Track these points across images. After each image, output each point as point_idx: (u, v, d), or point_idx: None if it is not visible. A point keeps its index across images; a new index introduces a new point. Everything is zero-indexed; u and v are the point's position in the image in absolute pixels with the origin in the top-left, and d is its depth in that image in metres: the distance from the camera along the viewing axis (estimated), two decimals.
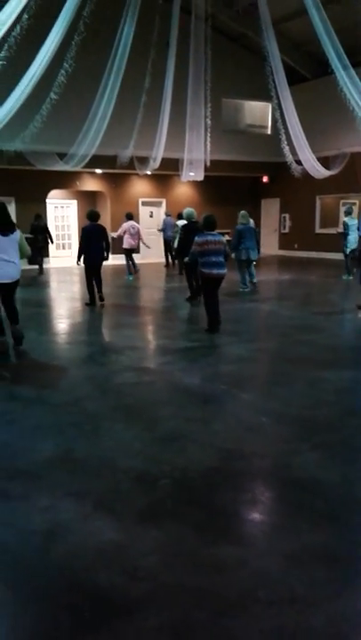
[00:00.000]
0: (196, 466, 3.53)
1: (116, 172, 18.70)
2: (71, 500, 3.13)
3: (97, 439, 4.03)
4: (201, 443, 3.91)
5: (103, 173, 19.39)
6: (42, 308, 10.27)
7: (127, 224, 14.07)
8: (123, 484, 3.33)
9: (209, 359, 6.40)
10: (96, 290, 9.95)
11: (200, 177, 18.13)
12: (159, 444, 3.94)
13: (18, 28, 10.50)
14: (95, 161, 16.38)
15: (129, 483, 3.35)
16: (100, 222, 10.03)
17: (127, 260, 14.34)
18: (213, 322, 7.58)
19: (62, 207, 21.06)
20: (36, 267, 15.83)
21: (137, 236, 14.11)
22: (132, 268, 14.31)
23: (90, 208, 11.00)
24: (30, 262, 16.22)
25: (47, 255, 17.73)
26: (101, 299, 9.98)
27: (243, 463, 3.62)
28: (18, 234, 6.38)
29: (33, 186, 17.94)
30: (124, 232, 14.00)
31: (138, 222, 15.72)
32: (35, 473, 3.48)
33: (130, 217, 14.48)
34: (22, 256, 6.56)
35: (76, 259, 10.13)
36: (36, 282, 14.30)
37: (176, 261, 14.79)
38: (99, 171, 19.07)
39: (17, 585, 2.42)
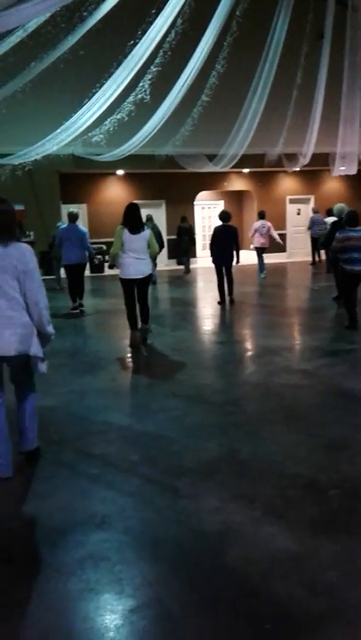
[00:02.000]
0: None
1: (264, 170, 18.55)
2: (240, 503, 3.08)
3: (260, 442, 3.95)
4: None
5: (250, 172, 19.33)
6: (188, 307, 10.46)
7: (258, 223, 14.39)
8: (290, 491, 3.22)
9: None
10: (227, 290, 10.14)
11: (352, 171, 17.33)
12: (326, 450, 3.76)
13: (172, 33, 10.80)
14: (243, 160, 16.37)
15: (297, 490, 3.23)
16: (231, 223, 10.13)
17: (258, 258, 14.68)
18: (353, 319, 7.58)
19: (209, 208, 21.36)
20: (182, 267, 16.38)
21: (267, 234, 14.34)
22: (263, 265, 14.67)
23: (222, 209, 11.09)
24: (178, 263, 16.73)
25: (193, 255, 18.14)
26: (231, 300, 10.13)
27: None
28: (147, 232, 6.91)
29: (182, 188, 18.41)
30: (255, 231, 14.33)
31: (285, 220, 15.55)
32: (201, 472, 3.49)
33: (262, 216, 14.59)
34: (151, 254, 7.02)
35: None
36: (182, 281, 14.66)
37: (323, 259, 14.56)
38: (246, 170, 19.05)
39: (194, 586, 2.42)
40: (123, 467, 3.61)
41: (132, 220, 6.84)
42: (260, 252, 14.54)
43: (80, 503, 3.14)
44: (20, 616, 2.26)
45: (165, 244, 17.45)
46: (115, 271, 7.34)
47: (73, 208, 11.19)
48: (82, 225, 10.29)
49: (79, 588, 2.42)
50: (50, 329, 3.47)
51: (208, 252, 10.30)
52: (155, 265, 12.22)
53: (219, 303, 10.17)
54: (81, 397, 5.11)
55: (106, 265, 11.05)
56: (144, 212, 8.93)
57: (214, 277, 10.27)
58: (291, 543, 2.70)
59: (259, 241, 14.38)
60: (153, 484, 3.36)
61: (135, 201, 17.27)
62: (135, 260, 6.82)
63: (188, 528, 2.86)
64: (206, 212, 21.31)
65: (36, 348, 3.38)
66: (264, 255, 14.70)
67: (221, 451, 3.81)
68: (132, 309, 7.07)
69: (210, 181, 18.98)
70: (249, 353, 6.85)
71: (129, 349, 6.96)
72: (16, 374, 3.52)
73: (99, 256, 16.11)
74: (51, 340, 3.56)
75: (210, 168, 16.64)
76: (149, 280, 7.16)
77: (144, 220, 7.30)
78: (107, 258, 15.64)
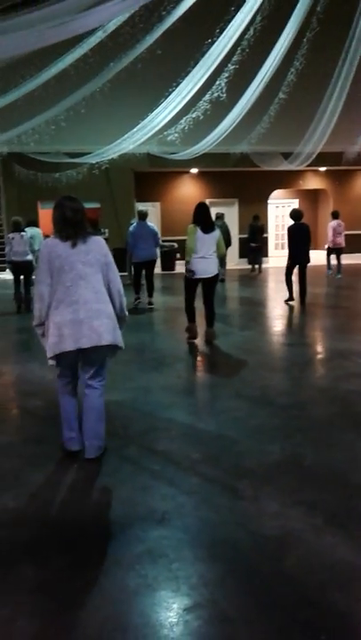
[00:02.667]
0: None
1: (341, 168, 18.08)
2: (301, 510, 3.03)
3: (325, 448, 3.86)
4: None
5: (327, 170, 18.90)
6: (257, 307, 10.36)
7: (334, 222, 14.19)
8: (355, 501, 3.13)
9: None
10: (298, 291, 10.01)
11: None
12: None
13: (251, 30, 10.71)
14: (320, 158, 16.04)
15: None
16: (303, 221, 9.94)
17: (328, 258, 14.61)
18: None
19: (283, 207, 21.06)
20: (253, 266, 16.27)
21: (343, 234, 14.19)
22: (334, 266, 14.45)
23: (294, 208, 10.92)
24: (249, 262, 16.61)
25: (266, 255, 17.94)
26: (302, 301, 9.94)
27: None
28: (217, 232, 7.01)
29: (256, 187, 18.26)
30: (333, 230, 14.15)
31: None
32: (262, 475, 3.46)
33: (335, 215, 14.35)
34: (218, 255, 7.08)
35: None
36: (252, 281, 14.54)
37: None
38: (322, 168, 18.64)
39: (250, 590, 2.40)
40: (184, 464, 3.63)
41: (205, 219, 6.93)
42: (338, 252, 14.30)
43: (141, 498, 3.19)
44: (80, 605, 2.32)
45: (237, 242, 17.38)
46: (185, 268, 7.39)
47: (143, 206, 11.36)
48: (153, 223, 10.43)
49: (137, 582, 2.46)
50: (126, 312, 3.74)
51: (281, 251, 10.22)
52: (224, 264, 12.23)
53: (286, 302, 10.11)
54: (146, 393, 5.18)
55: (180, 265, 11.18)
56: (216, 211, 8.95)
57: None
58: (352, 555, 2.62)
59: (336, 241, 14.17)
60: (213, 484, 3.36)
61: (208, 199, 17.38)
62: (203, 259, 6.89)
63: (246, 531, 2.84)
64: (280, 211, 21.02)
65: (120, 339, 3.58)
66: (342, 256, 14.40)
67: (284, 454, 3.75)
68: (190, 303, 7.20)
69: (285, 180, 18.72)
70: (318, 356, 6.71)
71: (195, 348, 6.99)
72: (92, 366, 3.60)
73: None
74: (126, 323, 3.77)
75: (285, 166, 16.42)
76: (216, 280, 7.18)
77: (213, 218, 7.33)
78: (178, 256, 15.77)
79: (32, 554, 2.69)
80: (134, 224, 10.21)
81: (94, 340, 3.43)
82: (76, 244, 3.41)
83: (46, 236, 17.04)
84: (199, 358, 6.65)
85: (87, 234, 3.47)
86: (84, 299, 3.41)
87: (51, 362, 3.55)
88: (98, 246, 3.49)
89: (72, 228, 3.43)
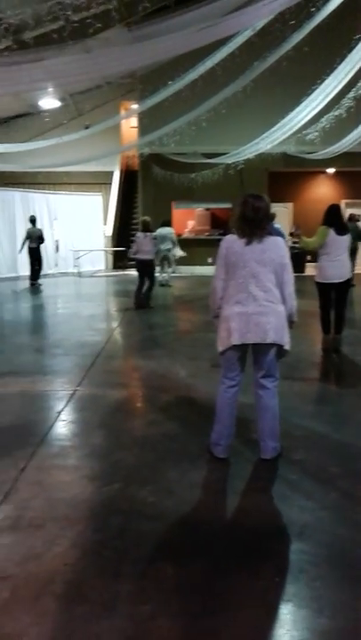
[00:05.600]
0: None
1: None
2: None
3: None
4: None
5: None
6: None
7: None
8: None
9: None
10: None
11: None
12: None
13: None
14: None
15: None
16: None
17: None
18: None
19: None
20: None
21: None
22: None
23: None
24: None
25: None
26: None
27: None
28: (348, 236, 6.73)
29: None
30: None
31: None
32: None
33: None
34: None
35: None
36: None
37: None
38: None
39: None
40: (322, 477, 3.48)
41: (339, 221, 6.69)
42: None
43: (279, 508, 3.10)
44: (222, 610, 2.29)
45: None
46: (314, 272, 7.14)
47: (274, 208, 11.18)
48: (279, 224, 10.23)
49: (277, 596, 2.38)
50: (296, 316, 3.68)
51: None
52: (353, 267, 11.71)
53: None
54: (281, 398, 5.04)
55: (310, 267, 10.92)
56: (351, 212, 8.50)
57: None
58: None
59: None
60: (353, 501, 3.18)
61: (344, 200, 16.73)
62: (335, 262, 6.58)
63: None
64: None
65: (287, 340, 3.53)
66: None
67: None
68: (326, 314, 6.89)
69: None
70: None
71: (328, 355, 6.73)
72: (262, 365, 3.59)
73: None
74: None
75: None
76: (349, 284, 6.83)
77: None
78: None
79: (170, 552, 2.71)
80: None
81: (259, 337, 3.43)
82: (251, 243, 3.43)
83: (178, 236, 17.47)
84: (332, 366, 6.39)
85: (265, 233, 3.46)
86: (253, 296, 3.44)
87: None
88: (275, 246, 3.47)
89: (248, 226, 3.45)
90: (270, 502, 3.17)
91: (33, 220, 14.05)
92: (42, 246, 14.31)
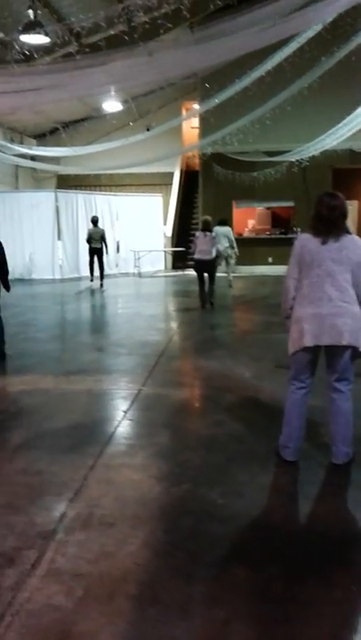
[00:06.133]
0: None
1: None
2: None
3: None
4: None
5: None
6: None
7: None
8: None
9: None
10: None
11: None
12: None
13: None
14: None
15: None
16: None
17: None
18: None
19: None
20: None
21: None
22: None
23: None
24: None
25: None
26: None
27: None
28: None
29: None
30: None
31: None
32: None
33: None
34: None
35: None
36: None
37: None
38: None
39: None
40: None
41: None
42: None
43: (354, 514, 2.99)
44: (302, 618, 2.21)
45: None
46: None
47: None
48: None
49: (354, 605, 2.29)
50: None
51: None
52: None
53: None
54: (354, 401, 4.89)
55: None
56: None
57: None
58: None
59: None
60: None
61: None
62: None
63: None
64: None
65: None
66: None
67: None
68: None
69: None
70: None
71: None
72: (336, 368, 3.49)
73: None
74: None
75: None
76: None
77: None
78: None
79: (243, 556, 2.65)
80: None
81: (335, 339, 3.33)
82: (327, 242, 3.36)
83: (239, 235, 17.33)
84: None
85: (341, 232, 3.37)
86: (328, 296, 3.35)
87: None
88: (353, 245, 3.36)
89: (324, 225, 3.38)
90: (344, 508, 3.07)
91: (95, 221, 14.23)
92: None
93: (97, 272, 14.16)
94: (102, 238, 14.04)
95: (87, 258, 14.44)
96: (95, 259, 14.13)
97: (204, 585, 2.42)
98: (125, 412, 4.71)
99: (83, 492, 3.26)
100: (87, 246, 14.12)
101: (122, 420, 4.50)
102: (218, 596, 2.35)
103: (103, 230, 14.38)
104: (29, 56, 9.80)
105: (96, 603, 2.31)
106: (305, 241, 3.43)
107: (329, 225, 3.35)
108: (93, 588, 2.40)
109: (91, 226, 14.21)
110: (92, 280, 14.37)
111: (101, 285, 14.04)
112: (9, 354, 6.55)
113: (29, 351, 7.10)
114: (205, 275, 10.34)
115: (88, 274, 14.61)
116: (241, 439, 4.06)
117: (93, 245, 13.97)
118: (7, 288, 6.72)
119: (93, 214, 15.41)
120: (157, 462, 3.69)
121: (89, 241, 13.99)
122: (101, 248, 14.08)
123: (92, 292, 13.70)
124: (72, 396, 5.20)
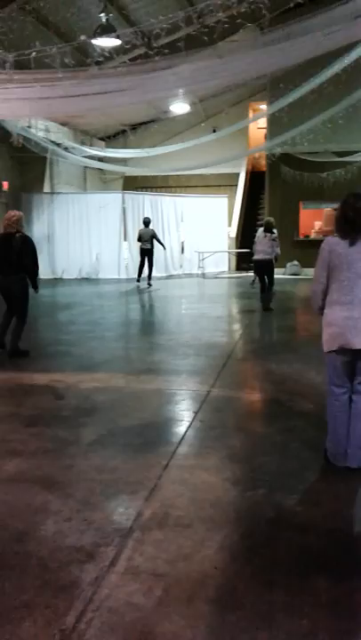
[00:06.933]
0: None
1: None
2: None
3: None
4: None
5: None
6: None
7: None
8: None
9: None
10: None
11: None
12: None
13: None
14: None
15: None
16: None
17: None
18: None
19: None
20: None
21: None
22: None
23: None
24: None
25: None
26: None
27: None
28: None
29: None
30: None
31: None
32: None
33: None
34: None
35: None
36: None
37: None
38: None
39: None
40: None
41: None
42: None
43: None
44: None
45: None
46: None
47: None
48: None
49: None
50: None
51: None
52: None
53: None
54: None
55: None
56: None
57: None
58: None
59: None
60: None
61: None
62: None
63: None
64: None
65: None
66: None
67: None
68: None
69: None
70: None
71: None
72: None
73: None
74: None
75: None
76: None
77: None
78: None
79: (323, 566, 2.57)
80: None
81: None
82: (355, 243, 3.29)
83: (305, 237, 17.03)
84: None
85: None
86: (359, 298, 3.29)
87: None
88: None
89: (351, 226, 3.32)
90: None
91: (146, 222, 14.51)
92: (158, 247, 14.74)
93: (145, 272, 14.46)
94: (152, 238, 14.33)
95: (137, 257, 14.89)
96: (145, 260, 14.41)
97: (285, 594, 2.36)
98: (196, 412, 4.70)
99: (157, 492, 3.27)
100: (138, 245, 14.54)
101: (193, 421, 4.49)
102: (299, 605, 2.29)
103: (153, 230, 14.64)
104: (102, 60, 9.98)
105: (176, 604, 2.30)
106: (332, 244, 3.39)
107: (356, 226, 3.30)
108: (172, 589, 2.40)
109: (142, 226, 14.53)
110: (138, 281, 14.57)
111: (149, 285, 14.24)
112: (23, 349, 6.64)
113: (99, 349, 7.23)
114: (263, 275, 10.16)
115: (153, 273, 14.84)
116: (316, 447, 3.94)
117: (143, 246, 14.31)
118: (35, 288, 6.77)
119: (160, 216, 15.61)
120: (231, 465, 3.65)
121: (139, 239, 14.32)
122: (151, 249, 14.37)
123: (140, 291, 13.85)
124: (143, 395, 5.24)
